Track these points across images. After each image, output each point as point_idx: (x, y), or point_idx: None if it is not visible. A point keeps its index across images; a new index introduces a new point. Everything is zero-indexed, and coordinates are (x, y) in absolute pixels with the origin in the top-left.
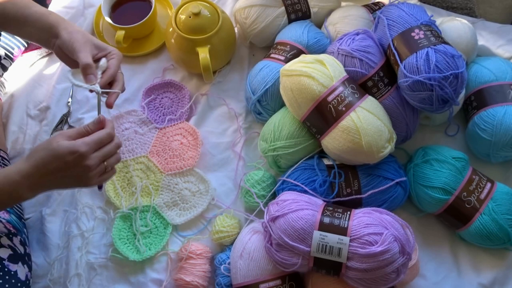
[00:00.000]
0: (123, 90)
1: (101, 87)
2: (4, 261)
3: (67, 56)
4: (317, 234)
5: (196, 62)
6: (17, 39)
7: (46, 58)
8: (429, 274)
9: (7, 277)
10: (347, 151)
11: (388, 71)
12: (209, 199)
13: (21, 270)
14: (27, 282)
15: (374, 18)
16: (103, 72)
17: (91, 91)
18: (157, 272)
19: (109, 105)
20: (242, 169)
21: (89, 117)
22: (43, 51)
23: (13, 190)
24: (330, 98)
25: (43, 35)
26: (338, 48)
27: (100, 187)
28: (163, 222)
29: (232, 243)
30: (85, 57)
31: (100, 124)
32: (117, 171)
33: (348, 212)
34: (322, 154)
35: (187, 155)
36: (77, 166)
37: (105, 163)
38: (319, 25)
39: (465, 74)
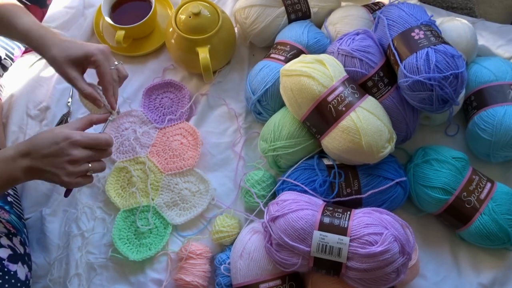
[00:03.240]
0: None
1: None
2: (3, 261)
3: None
4: (317, 234)
5: (196, 62)
6: None
7: None
8: (429, 274)
9: (6, 277)
10: (347, 151)
11: (388, 71)
12: (209, 199)
13: (20, 270)
14: (27, 282)
15: (374, 18)
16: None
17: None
18: (157, 272)
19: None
20: (242, 169)
21: None
22: None
23: (8, 167)
24: (330, 98)
25: (31, 47)
26: (338, 48)
27: (67, 194)
28: (163, 222)
29: (232, 243)
30: (82, 87)
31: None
32: (117, 171)
33: (348, 212)
34: (322, 154)
35: (187, 155)
36: (64, 154)
37: (90, 165)
38: (319, 25)
39: (465, 74)
